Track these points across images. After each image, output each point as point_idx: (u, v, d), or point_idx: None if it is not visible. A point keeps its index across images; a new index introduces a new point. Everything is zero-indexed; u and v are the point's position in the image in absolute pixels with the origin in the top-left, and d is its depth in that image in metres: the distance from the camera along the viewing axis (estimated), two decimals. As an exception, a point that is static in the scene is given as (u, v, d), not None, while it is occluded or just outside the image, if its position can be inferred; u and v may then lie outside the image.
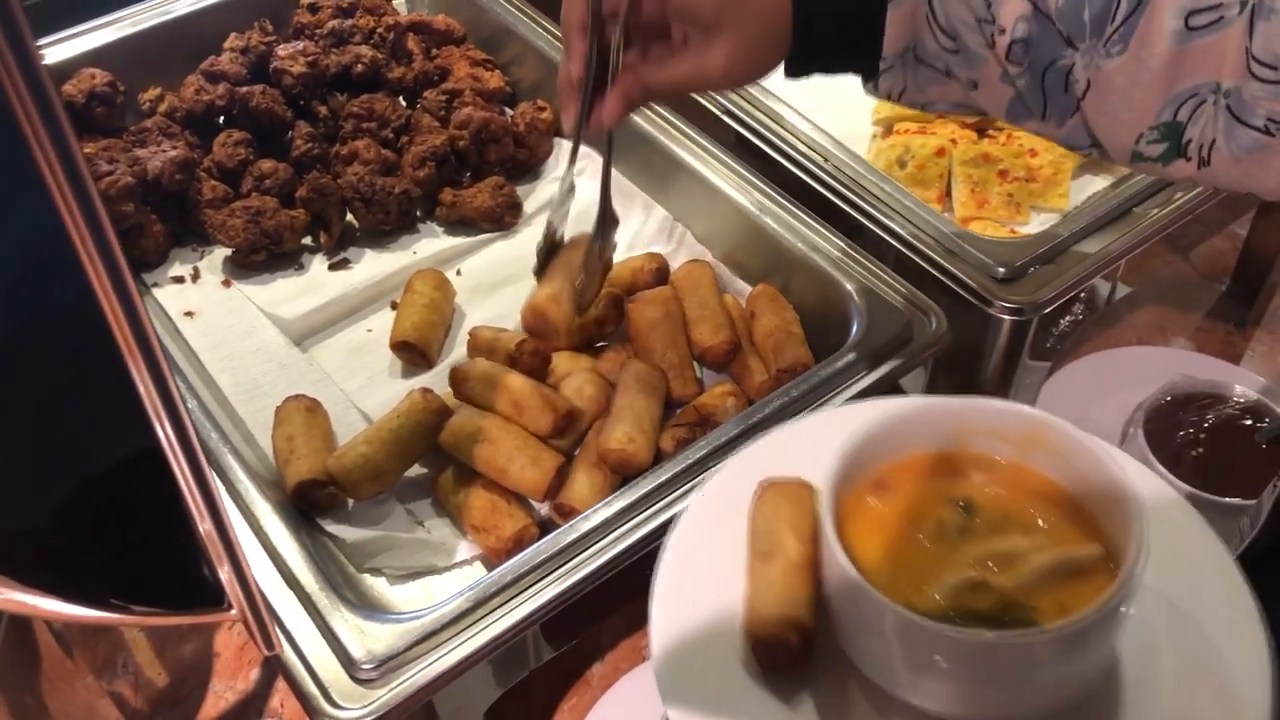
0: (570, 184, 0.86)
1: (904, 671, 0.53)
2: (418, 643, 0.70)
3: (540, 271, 0.88)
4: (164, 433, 0.47)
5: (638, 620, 0.94)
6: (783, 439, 0.65)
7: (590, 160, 0.99)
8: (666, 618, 0.57)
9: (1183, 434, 1.02)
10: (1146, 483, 0.56)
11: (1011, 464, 0.58)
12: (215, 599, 0.57)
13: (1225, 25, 0.60)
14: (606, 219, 0.85)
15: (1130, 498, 0.52)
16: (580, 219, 0.88)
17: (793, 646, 0.55)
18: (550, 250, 0.87)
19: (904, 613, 0.50)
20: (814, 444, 0.58)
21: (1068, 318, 1.04)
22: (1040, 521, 0.56)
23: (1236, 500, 0.98)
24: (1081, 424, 0.57)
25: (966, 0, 0.65)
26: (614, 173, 1.11)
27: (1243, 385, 1.03)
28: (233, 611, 0.56)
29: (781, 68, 0.71)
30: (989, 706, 0.54)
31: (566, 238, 0.88)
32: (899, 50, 0.68)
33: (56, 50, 1.12)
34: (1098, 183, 1.08)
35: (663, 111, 1.07)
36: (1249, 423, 1.02)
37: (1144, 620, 0.55)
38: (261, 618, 0.58)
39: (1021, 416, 0.57)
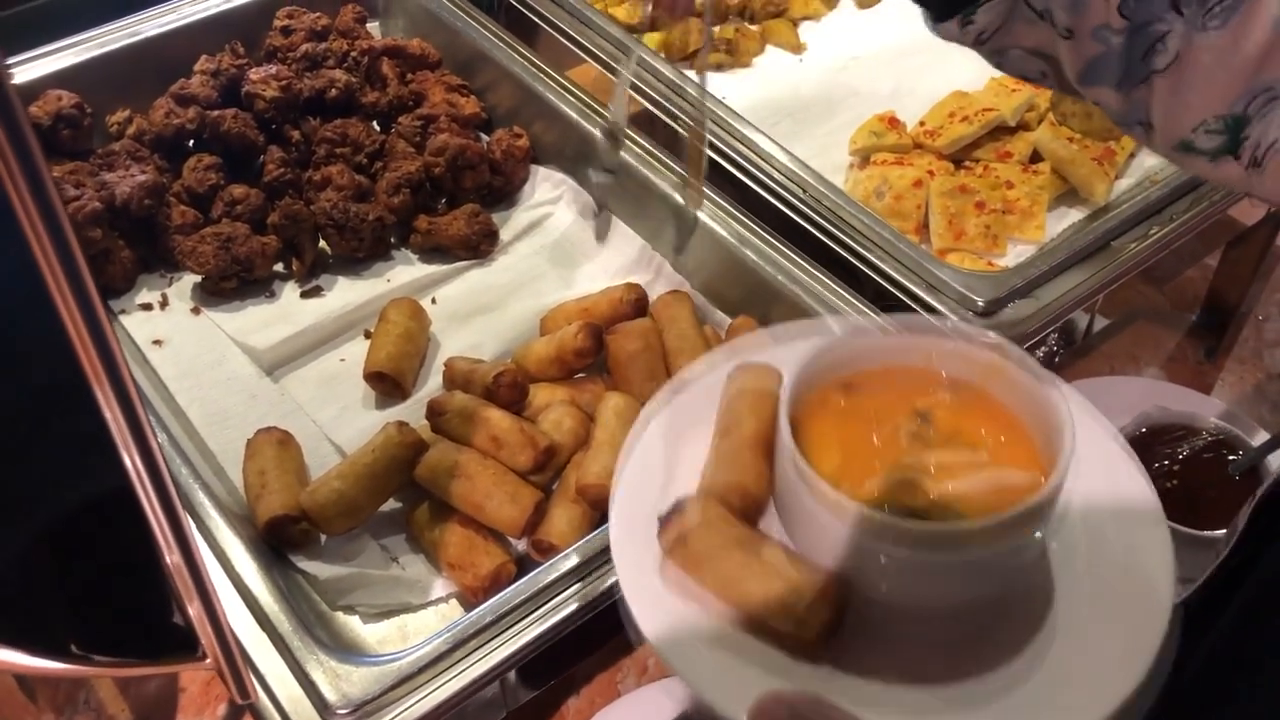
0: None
1: (827, 547, 0.56)
2: (393, 687, 0.68)
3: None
4: (131, 461, 0.46)
5: (613, 655, 0.93)
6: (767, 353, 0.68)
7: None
8: (635, 476, 0.62)
9: (1157, 466, 1.02)
10: (1084, 421, 0.59)
11: (975, 388, 0.62)
12: (185, 645, 0.55)
13: None
14: None
15: (1066, 431, 0.55)
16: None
17: (733, 507, 0.58)
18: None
19: (827, 488, 0.53)
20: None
21: (1043, 350, 1.04)
22: (988, 443, 0.59)
23: (1209, 533, 0.99)
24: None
25: None
26: (589, 203, 1.11)
27: (1213, 415, 1.04)
28: (206, 660, 0.54)
29: None
30: (899, 591, 0.56)
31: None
32: None
33: (22, 71, 1.10)
34: (1073, 215, 1.09)
35: (640, 140, 1.06)
36: (1222, 455, 1.02)
37: (1068, 537, 0.58)
38: (235, 664, 0.56)
39: (988, 346, 0.61)
